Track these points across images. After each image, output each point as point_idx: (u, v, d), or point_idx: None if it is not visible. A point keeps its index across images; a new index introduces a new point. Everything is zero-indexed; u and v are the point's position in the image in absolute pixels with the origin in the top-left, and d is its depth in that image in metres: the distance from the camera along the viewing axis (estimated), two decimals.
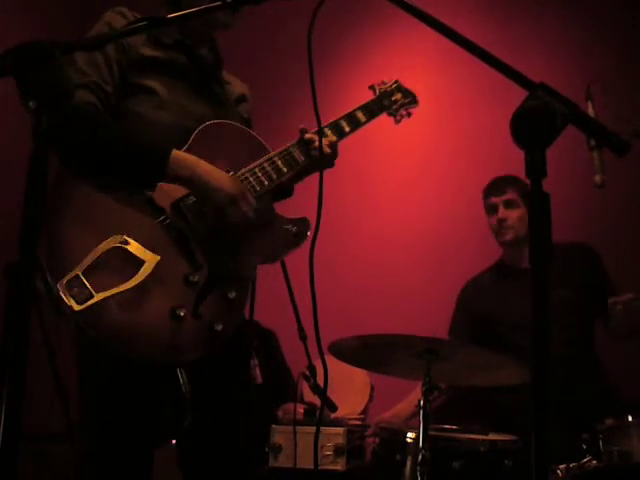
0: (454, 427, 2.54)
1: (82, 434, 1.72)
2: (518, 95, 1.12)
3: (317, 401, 1.85)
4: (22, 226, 1.04)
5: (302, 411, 3.11)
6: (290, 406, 2.98)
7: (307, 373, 1.81)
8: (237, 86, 2.04)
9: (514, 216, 3.04)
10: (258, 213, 1.76)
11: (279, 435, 2.85)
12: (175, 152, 1.69)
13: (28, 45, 1.09)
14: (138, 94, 1.77)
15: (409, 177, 3.90)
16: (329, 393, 1.77)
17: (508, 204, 3.06)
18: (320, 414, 1.82)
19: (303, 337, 1.78)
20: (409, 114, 2.24)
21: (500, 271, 3.17)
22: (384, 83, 2.21)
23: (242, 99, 2.03)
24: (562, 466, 2.19)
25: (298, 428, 2.59)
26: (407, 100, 2.23)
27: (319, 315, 1.68)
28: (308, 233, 1.84)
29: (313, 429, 1.84)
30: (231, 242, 1.75)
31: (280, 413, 3.11)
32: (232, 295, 1.71)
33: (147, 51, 1.80)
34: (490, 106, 3.65)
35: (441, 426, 2.50)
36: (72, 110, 1.66)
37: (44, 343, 1.40)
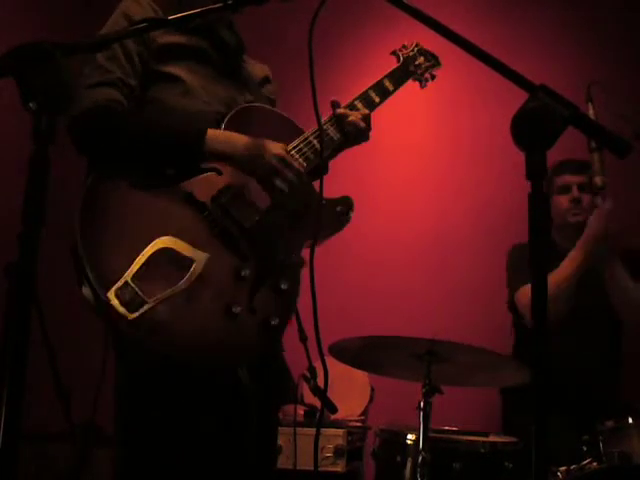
0: (454, 428, 2.54)
1: (127, 442, 1.65)
2: (518, 95, 1.12)
3: (317, 402, 1.84)
4: (22, 226, 1.04)
5: (302, 412, 3.10)
6: (290, 407, 2.97)
7: (307, 374, 1.80)
8: (259, 69, 2.03)
9: (587, 199, 2.93)
10: (299, 195, 1.73)
11: (279, 436, 2.84)
12: (211, 130, 1.68)
13: (28, 45, 1.09)
14: (162, 82, 1.74)
15: (409, 177, 3.90)
16: (329, 394, 1.76)
17: (581, 187, 2.94)
18: (320, 415, 1.81)
19: (303, 338, 1.77)
20: (433, 77, 2.19)
21: (552, 253, 2.95)
22: (405, 47, 2.16)
23: (266, 80, 2.02)
24: (562, 468, 2.18)
25: (298, 429, 2.59)
26: (430, 63, 2.18)
27: (319, 316, 1.68)
28: (351, 213, 1.80)
29: (313, 430, 1.83)
30: (277, 229, 1.71)
31: (280, 414, 3.10)
32: (285, 286, 1.67)
33: (168, 38, 1.76)
34: (490, 106, 3.66)
35: (441, 427, 2.50)
36: (101, 110, 1.65)
37: (44, 343, 1.40)
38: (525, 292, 2.90)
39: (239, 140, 1.71)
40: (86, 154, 1.67)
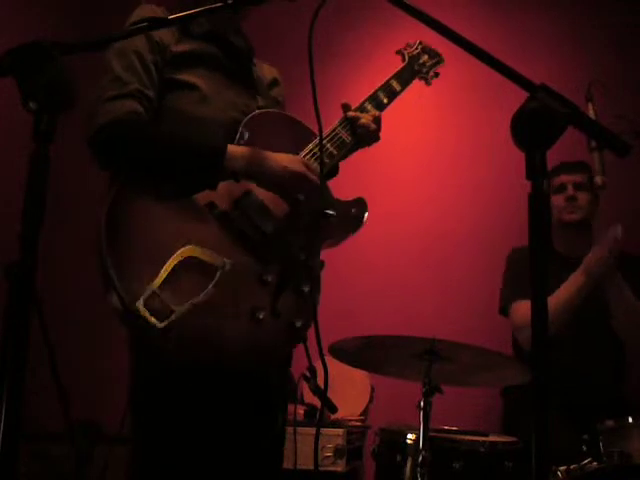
0: (454, 428, 2.54)
1: (150, 452, 1.65)
2: (520, 94, 1.12)
3: (317, 402, 1.84)
4: (22, 226, 1.04)
5: (302, 412, 3.10)
6: (290, 407, 2.97)
7: (307, 374, 1.80)
8: (267, 71, 2.04)
9: (584, 197, 2.96)
10: (316, 200, 1.76)
11: None
12: (230, 147, 1.68)
13: (28, 45, 1.09)
14: (177, 90, 1.74)
15: (410, 177, 3.90)
16: (329, 394, 1.76)
17: (578, 186, 2.97)
18: (320, 415, 1.81)
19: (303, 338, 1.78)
20: (437, 74, 2.22)
21: (550, 256, 2.96)
22: (409, 46, 2.19)
23: (274, 83, 2.03)
24: (562, 467, 2.18)
25: (298, 429, 2.58)
26: (434, 60, 2.21)
27: (319, 316, 1.68)
28: (366, 215, 1.82)
29: (313, 430, 1.84)
30: (296, 233, 1.74)
31: None
32: (307, 288, 1.70)
33: (181, 47, 1.77)
34: (491, 105, 3.66)
35: (441, 427, 2.50)
36: (120, 124, 1.64)
37: (44, 343, 1.40)
38: (518, 309, 2.91)
39: (253, 156, 1.70)
40: (108, 168, 1.67)
